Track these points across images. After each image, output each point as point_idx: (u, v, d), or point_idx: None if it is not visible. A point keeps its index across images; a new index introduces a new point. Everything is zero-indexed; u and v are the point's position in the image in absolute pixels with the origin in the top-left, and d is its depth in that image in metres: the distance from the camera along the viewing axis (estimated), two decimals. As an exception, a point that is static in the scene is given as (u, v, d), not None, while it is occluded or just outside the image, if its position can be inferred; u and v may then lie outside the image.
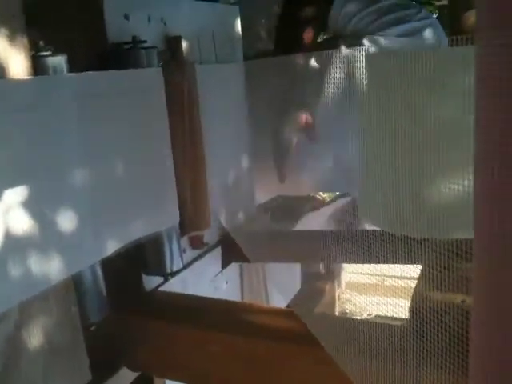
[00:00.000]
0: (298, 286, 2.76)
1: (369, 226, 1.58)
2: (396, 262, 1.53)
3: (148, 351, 1.66)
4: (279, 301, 2.45)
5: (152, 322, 1.66)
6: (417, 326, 1.20)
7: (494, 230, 0.70)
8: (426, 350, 1.16)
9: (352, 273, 4.19)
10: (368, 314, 4.07)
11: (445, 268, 1.20)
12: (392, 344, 1.25)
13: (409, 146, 1.20)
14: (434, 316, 1.18)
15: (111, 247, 1.47)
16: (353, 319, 2.34)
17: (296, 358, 1.44)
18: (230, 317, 1.64)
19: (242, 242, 1.82)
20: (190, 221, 1.85)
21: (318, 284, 3.20)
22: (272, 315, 1.63)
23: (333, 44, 2.21)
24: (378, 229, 1.40)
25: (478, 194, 0.73)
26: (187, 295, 1.84)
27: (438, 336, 1.15)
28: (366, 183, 1.52)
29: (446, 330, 1.14)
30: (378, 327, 1.34)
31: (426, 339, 1.17)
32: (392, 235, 1.30)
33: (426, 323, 1.19)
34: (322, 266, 3.28)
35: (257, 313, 1.67)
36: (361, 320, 2.65)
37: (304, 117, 1.92)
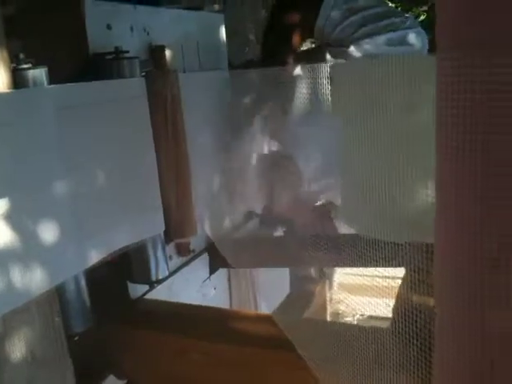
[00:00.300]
0: (287, 290, 2.77)
1: (350, 230, 1.60)
2: (378, 266, 1.55)
3: (133, 359, 1.67)
4: (268, 305, 2.46)
5: (137, 331, 1.67)
6: (397, 329, 1.21)
7: (452, 235, 0.72)
8: (403, 355, 1.18)
9: (344, 274, 4.22)
10: (360, 315, 4.10)
11: (426, 271, 1.22)
12: (372, 347, 1.27)
13: (382, 152, 1.22)
14: (413, 320, 1.20)
15: (95, 257, 1.47)
16: (330, 323, 2.35)
17: (280, 364, 1.45)
18: (215, 324, 1.65)
19: (227, 250, 1.83)
20: (176, 228, 1.86)
21: (308, 286, 3.21)
22: (256, 321, 1.65)
23: (319, 53, 2.23)
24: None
25: (438, 200, 0.75)
26: (172, 303, 1.85)
27: (416, 340, 1.16)
28: (346, 190, 1.54)
29: (424, 334, 1.15)
30: (359, 330, 1.36)
31: (404, 343, 1.19)
32: (373, 239, 1.32)
33: (406, 327, 1.20)
34: (312, 269, 3.29)
35: (241, 319, 1.69)
36: (339, 323, 2.66)
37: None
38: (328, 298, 3.73)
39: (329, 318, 3.68)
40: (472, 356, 0.77)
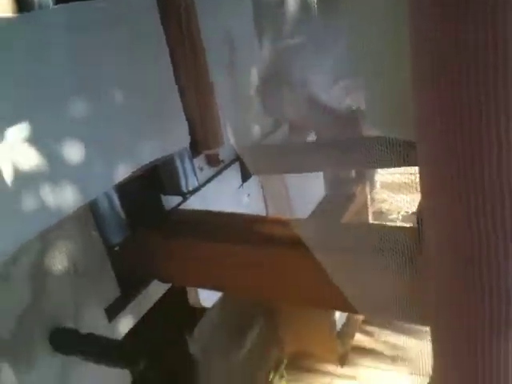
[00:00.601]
0: (322, 194, 2.80)
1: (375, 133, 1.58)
2: (409, 165, 1.54)
3: (171, 266, 1.77)
4: (303, 209, 2.51)
5: (173, 239, 1.75)
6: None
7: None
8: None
9: (386, 173, 4.18)
10: (405, 212, 4.11)
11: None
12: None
13: (405, 51, 1.17)
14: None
15: (122, 173, 1.53)
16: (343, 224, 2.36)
17: (303, 261, 1.50)
18: (244, 229, 1.72)
19: (253, 158, 1.85)
20: (202, 140, 1.90)
21: (346, 188, 3.23)
22: (283, 225, 1.69)
23: None
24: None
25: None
26: (203, 211, 1.92)
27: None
28: (370, 92, 1.50)
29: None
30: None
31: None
32: (399, 140, 1.30)
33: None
34: (351, 171, 3.28)
35: (269, 223, 1.74)
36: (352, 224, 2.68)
37: None
38: (370, 198, 3.74)
39: (371, 218, 3.72)
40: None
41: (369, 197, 3.73)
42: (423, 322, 1.16)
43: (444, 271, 0.86)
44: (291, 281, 1.60)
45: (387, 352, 3.69)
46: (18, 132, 1.25)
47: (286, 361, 4.19)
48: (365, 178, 3.61)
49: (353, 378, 3.75)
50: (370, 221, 3.82)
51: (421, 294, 1.11)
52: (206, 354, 3.21)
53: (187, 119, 1.79)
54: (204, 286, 1.95)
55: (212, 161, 2.09)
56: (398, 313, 1.27)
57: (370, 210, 3.76)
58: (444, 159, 0.76)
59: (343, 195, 3.10)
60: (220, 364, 3.46)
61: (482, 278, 0.77)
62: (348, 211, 3.14)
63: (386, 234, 1.33)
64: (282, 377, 4.05)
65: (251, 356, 3.74)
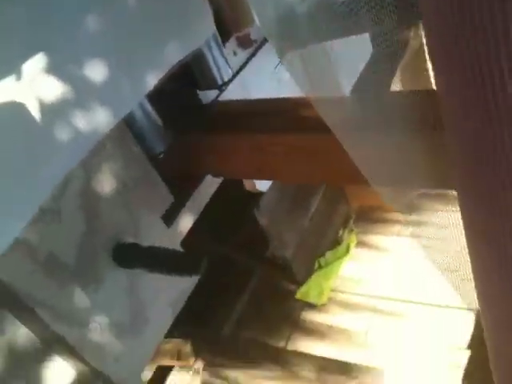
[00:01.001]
0: (367, 54, 2.58)
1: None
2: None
3: (219, 160, 1.76)
4: (347, 77, 2.35)
5: (216, 133, 1.71)
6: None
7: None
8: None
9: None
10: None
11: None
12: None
13: None
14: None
15: (151, 81, 1.46)
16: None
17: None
18: (289, 115, 1.65)
19: (282, 35, 1.71)
20: (231, 22, 1.77)
21: (398, 36, 2.97)
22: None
23: None
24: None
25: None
26: (245, 101, 1.85)
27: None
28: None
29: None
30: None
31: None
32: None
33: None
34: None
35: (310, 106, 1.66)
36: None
37: None
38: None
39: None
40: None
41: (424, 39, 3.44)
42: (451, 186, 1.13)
43: (466, 136, 0.83)
44: (342, 163, 1.56)
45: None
46: (36, 63, 1.21)
47: (354, 216, 4.28)
48: (418, 20, 3.29)
49: (423, 223, 3.78)
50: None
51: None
52: (274, 223, 3.34)
53: (210, 4, 1.65)
54: (255, 177, 1.94)
55: (244, 42, 1.96)
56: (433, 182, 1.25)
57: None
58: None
59: (394, 45, 2.86)
60: (290, 230, 3.60)
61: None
62: (402, 62, 2.93)
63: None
64: (351, 231, 4.17)
65: (319, 217, 3.85)
